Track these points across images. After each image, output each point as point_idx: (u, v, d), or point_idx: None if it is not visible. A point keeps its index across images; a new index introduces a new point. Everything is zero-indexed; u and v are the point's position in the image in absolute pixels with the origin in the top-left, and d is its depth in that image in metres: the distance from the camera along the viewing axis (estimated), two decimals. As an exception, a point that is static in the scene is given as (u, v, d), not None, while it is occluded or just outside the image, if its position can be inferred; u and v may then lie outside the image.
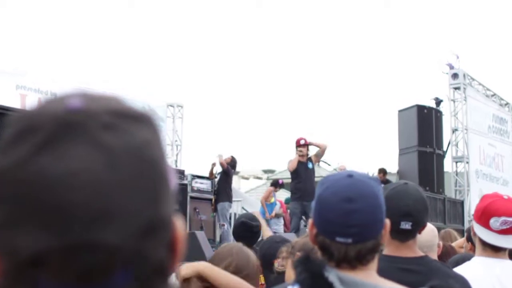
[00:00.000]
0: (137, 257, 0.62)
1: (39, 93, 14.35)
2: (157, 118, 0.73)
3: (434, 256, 3.51)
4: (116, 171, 0.62)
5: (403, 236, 2.42)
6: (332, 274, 1.43)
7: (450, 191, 15.96)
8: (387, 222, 1.54)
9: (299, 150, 10.43)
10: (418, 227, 2.42)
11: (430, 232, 3.48)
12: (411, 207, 2.40)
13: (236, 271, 2.50)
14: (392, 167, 15.39)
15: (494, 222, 2.87)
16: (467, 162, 16.48)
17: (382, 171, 14.27)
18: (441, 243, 3.64)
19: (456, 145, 16.63)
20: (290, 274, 2.75)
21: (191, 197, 12.26)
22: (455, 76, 16.34)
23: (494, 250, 2.91)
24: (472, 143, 16.74)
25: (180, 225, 0.71)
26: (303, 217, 10.11)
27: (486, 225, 2.91)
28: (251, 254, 2.63)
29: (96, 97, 0.69)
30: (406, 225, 2.37)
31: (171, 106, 18.05)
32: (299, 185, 10.31)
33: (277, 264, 3.43)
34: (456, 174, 16.59)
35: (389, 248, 2.48)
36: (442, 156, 14.32)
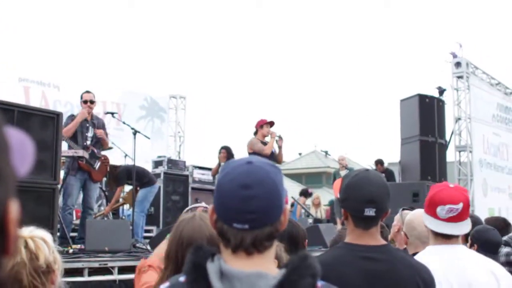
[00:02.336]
0: None
1: (42, 86, 14.37)
2: None
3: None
4: None
5: (367, 224, 2.42)
6: (214, 266, 1.45)
7: (453, 181, 15.90)
8: (287, 207, 1.56)
9: (268, 131, 9.75)
10: (382, 213, 2.42)
11: None
12: (374, 194, 2.39)
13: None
14: (394, 157, 15.36)
15: (441, 210, 2.93)
16: (470, 152, 16.43)
17: (379, 163, 14.23)
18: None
19: (459, 134, 16.58)
20: None
21: (193, 188, 12.30)
22: (458, 65, 16.28)
23: (445, 238, 2.95)
24: (475, 132, 16.68)
25: (14, 209, 0.72)
26: None
27: (433, 214, 2.97)
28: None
29: None
30: (370, 212, 2.38)
31: (173, 97, 18.06)
32: None
33: None
34: (460, 164, 16.55)
35: (351, 236, 2.48)
36: (444, 146, 14.25)
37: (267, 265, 1.50)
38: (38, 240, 2.30)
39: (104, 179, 10.25)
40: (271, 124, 9.85)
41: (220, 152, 11.69)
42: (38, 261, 2.25)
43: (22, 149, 0.77)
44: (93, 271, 6.27)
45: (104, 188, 10.94)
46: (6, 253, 0.73)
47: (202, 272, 1.44)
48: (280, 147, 9.97)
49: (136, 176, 9.42)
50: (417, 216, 3.59)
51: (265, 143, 9.80)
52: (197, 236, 2.44)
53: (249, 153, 9.72)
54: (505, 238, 5.17)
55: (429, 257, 2.82)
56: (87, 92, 8.67)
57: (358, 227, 2.44)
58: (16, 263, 2.22)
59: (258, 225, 1.47)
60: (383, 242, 2.52)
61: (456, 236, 2.96)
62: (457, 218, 2.93)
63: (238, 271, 1.44)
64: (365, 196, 2.39)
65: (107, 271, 6.36)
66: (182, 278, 1.51)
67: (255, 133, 9.88)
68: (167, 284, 1.57)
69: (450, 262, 2.84)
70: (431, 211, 2.97)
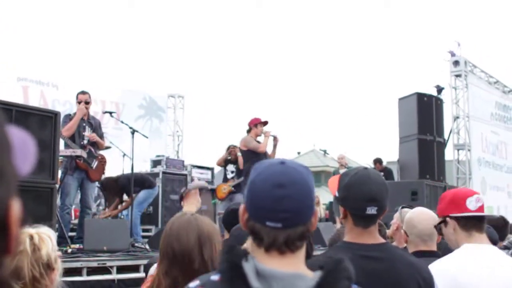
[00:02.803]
0: None
1: (41, 85, 14.35)
2: None
3: (434, 244, 3.51)
4: None
5: (367, 222, 2.41)
6: (250, 265, 1.46)
7: (452, 179, 15.93)
8: (317, 209, 1.57)
9: (262, 130, 9.75)
10: (382, 211, 2.41)
11: (431, 221, 3.47)
12: (375, 192, 2.38)
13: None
14: (393, 156, 15.37)
15: (470, 202, 2.97)
16: (469, 150, 16.44)
17: (378, 161, 14.23)
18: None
19: (458, 133, 16.59)
20: None
21: (191, 187, 12.25)
22: (456, 63, 16.30)
23: (478, 231, 2.97)
24: (473, 130, 16.70)
25: (16, 208, 0.72)
26: None
27: (464, 209, 2.97)
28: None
29: None
30: (371, 210, 2.36)
31: (172, 96, 18.04)
32: None
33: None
34: (458, 162, 16.55)
35: (350, 235, 2.46)
36: (442, 144, 14.24)
37: (299, 265, 1.52)
38: (43, 234, 2.42)
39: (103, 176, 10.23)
40: (265, 123, 9.85)
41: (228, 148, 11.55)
42: (40, 252, 2.36)
43: (24, 148, 0.77)
44: (91, 271, 6.26)
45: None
46: (7, 252, 0.73)
47: (238, 272, 1.46)
48: (275, 146, 9.96)
49: (138, 183, 9.42)
50: (417, 214, 3.57)
51: (258, 142, 9.81)
52: (183, 232, 2.48)
53: (243, 151, 9.75)
54: (505, 243, 5.17)
55: (470, 257, 2.87)
56: (82, 93, 8.64)
57: (358, 226, 2.42)
58: (19, 252, 2.33)
59: (291, 224, 1.49)
60: (382, 240, 2.51)
61: (484, 231, 3.01)
62: (482, 209, 3.00)
63: (277, 271, 1.46)
64: (366, 194, 2.37)
65: (105, 270, 6.36)
66: (215, 277, 1.52)
67: (248, 131, 9.86)
68: (197, 282, 1.57)
69: (493, 263, 2.85)
70: (460, 207, 2.99)
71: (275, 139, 9.93)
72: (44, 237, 2.43)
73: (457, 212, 2.99)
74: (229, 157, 11.28)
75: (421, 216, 3.53)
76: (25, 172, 0.77)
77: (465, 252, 2.92)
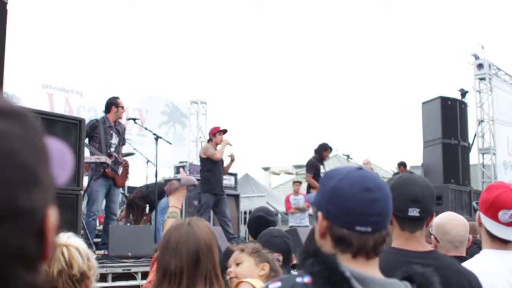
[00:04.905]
0: None
1: (65, 92, 14.49)
2: (33, 116, 0.75)
3: (464, 249, 3.47)
4: None
5: (412, 225, 2.35)
6: (346, 269, 1.43)
7: (477, 184, 15.75)
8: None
9: (221, 139, 9.94)
10: (426, 214, 2.36)
11: (463, 227, 3.46)
12: (418, 193, 2.35)
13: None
14: (417, 160, 15.25)
15: (503, 215, 2.78)
16: (494, 154, 16.24)
17: (402, 165, 14.13)
18: (470, 236, 3.61)
19: (483, 136, 16.40)
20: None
21: (215, 193, 12.24)
22: (480, 66, 16.11)
23: (504, 242, 2.82)
24: (499, 134, 16.49)
25: (53, 215, 0.74)
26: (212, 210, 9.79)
27: (494, 217, 2.81)
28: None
29: None
30: (414, 212, 2.33)
31: (194, 103, 18.12)
32: (215, 176, 9.79)
33: None
34: (483, 166, 16.36)
35: (397, 240, 2.42)
36: (467, 148, 14.09)
37: (378, 271, 1.53)
38: (72, 249, 2.46)
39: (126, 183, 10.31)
40: (224, 132, 10.01)
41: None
42: (72, 270, 2.40)
43: (62, 158, 0.79)
44: (116, 277, 6.30)
45: (126, 194, 10.99)
46: (44, 259, 0.74)
47: (337, 276, 1.41)
48: (231, 162, 10.26)
49: (161, 192, 9.50)
50: (448, 220, 3.51)
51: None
52: (181, 245, 2.45)
53: (202, 158, 9.90)
54: None
55: (490, 261, 2.76)
56: (117, 97, 8.69)
57: (404, 230, 2.38)
58: (57, 271, 2.39)
59: (379, 227, 1.51)
60: (430, 248, 2.49)
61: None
62: None
63: (376, 277, 1.47)
64: (409, 195, 2.34)
65: (130, 276, 6.39)
66: (303, 279, 1.47)
67: (209, 141, 10.05)
68: (278, 284, 1.52)
69: (509, 269, 2.73)
70: (492, 214, 2.81)
71: (232, 158, 10.20)
72: (73, 252, 2.44)
73: (488, 215, 2.84)
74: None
75: (453, 222, 3.48)
76: (62, 182, 0.79)
77: (483, 258, 2.83)
